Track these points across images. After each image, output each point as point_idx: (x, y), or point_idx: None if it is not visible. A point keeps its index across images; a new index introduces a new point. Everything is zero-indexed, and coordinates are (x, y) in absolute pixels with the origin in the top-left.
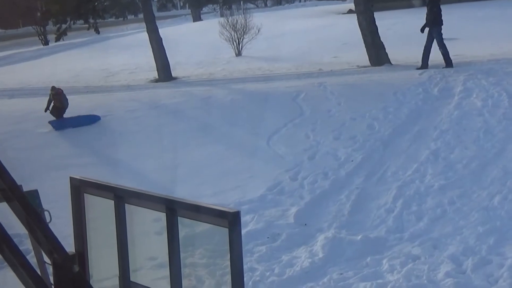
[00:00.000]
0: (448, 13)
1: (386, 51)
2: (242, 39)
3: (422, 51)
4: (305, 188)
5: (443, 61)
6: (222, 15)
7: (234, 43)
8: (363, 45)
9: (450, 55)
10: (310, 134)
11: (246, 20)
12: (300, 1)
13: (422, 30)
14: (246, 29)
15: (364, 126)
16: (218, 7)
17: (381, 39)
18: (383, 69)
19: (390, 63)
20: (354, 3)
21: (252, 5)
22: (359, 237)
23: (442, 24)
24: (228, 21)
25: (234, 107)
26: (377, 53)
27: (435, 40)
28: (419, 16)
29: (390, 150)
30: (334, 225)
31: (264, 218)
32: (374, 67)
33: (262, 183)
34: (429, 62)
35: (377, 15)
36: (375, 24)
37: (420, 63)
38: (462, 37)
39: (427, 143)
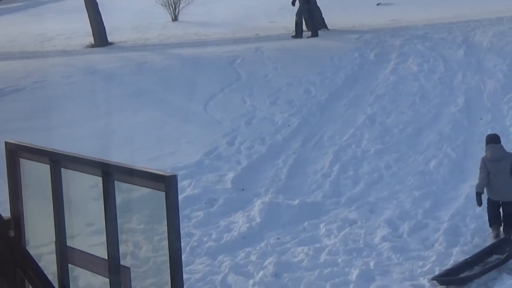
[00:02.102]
0: None
1: (323, 16)
2: (179, 4)
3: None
4: (242, 153)
5: (296, 29)
6: None
7: (171, 8)
8: None
9: (387, 20)
10: (247, 99)
11: None
12: None
13: (293, 3)
14: None
15: (300, 91)
16: None
17: (318, 3)
18: (320, 34)
19: (327, 28)
20: None
21: None
22: (296, 201)
23: None
24: None
25: (171, 72)
26: (313, 18)
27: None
28: None
29: (326, 115)
30: (271, 190)
31: (201, 184)
32: (310, 32)
33: (199, 149)
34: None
35: None
36: None
37: (355, 27)
38: (398, 2)
39: (363, 108)
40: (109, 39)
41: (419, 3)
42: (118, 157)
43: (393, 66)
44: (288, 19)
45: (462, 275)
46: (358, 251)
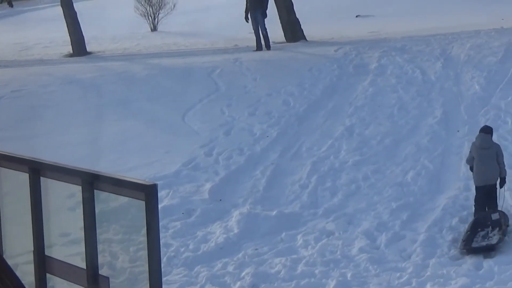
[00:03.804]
0: None
1: (302, 27)
2: (158, 14)
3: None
4: (220, 164)
5: (255, 43)
6: None
7: (150, 18)
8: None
9: (366, 32)
10: (226, 110)
11: None
12: None
13: (246, 18)
14: (161, 4)
15: (279, 102)
16: None
17: (297, 15)
18: (299, 45)
19: (306, 39)
20: None
21: None
22: (274, 212)
23: (267, 8)
24: None
25: (150, 82)
26: (292, 29)
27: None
28: None
29: (305, 126)
30: (249, 201)
31: (179, 194)
32: (289, 43)
33: (177, 159)
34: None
35: None
36: (291, 0)
37: (334, 39)
38: (377, 14)
39: (342, 119)
40: (88, 48)
41: (397, 15)
42: (96, 166)
43: (371, 78)
44: (268, 30)
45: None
46: (336, 262)
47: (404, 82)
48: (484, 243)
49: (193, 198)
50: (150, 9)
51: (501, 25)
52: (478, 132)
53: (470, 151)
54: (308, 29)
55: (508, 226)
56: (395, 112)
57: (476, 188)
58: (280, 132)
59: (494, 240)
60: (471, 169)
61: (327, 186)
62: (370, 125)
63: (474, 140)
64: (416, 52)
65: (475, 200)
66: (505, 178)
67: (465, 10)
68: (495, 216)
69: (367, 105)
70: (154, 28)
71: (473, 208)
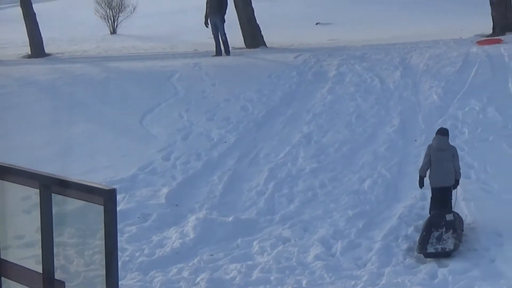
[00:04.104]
0: None
1: (262, 33)
2: (118, 17)
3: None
4: (177, 169)
5: (215, 48)
6: None
7: (110, 20)
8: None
9: (325, 39)
10: (184, 115)
11: None
12: None
13: (206, 23)
14: (121, 7)
15: (238, 108)
16: None
17: (257, 21)
18: (258, 52)
19: (266, 45)
20: None
21: None
22: (230, 218)
23: (225, 13)
24: None
25: (108, 85)
26: (252, 35)
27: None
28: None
29: (263, 132)
30: (206, 206)
31: (135, 198)
32: (249, 49)
33: (134, 163)
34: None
35: None
36: (251, 6)
37: (294, 46)
38: (337, 22)
39: (300, 126)
40: (46, 50)
41: (357, 23)
42: (52, 169)
43: (330, 85)
44: (228, 35)
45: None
46: (291, 269)
47: (362, 91)
48: (439, 247)
49: (149, 203)
50: (110, 12)
51: (460, 35)
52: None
53: (425, 155)
54: (268, 36)
55: (463, 231)
56: (353, 120)
57: (432, 189)
58: (238, 138)
59: (449, 244)
60: (422, 181)
61: (284, 193)
62: (328, 133)
63: (430, 142)
64: (375, 61)
65: (431, 200)
66: (458, 180)
67: (424, 20)
68: (449, 217)
69: (325, 112)
70: (113, 31)
71: (429, 210)
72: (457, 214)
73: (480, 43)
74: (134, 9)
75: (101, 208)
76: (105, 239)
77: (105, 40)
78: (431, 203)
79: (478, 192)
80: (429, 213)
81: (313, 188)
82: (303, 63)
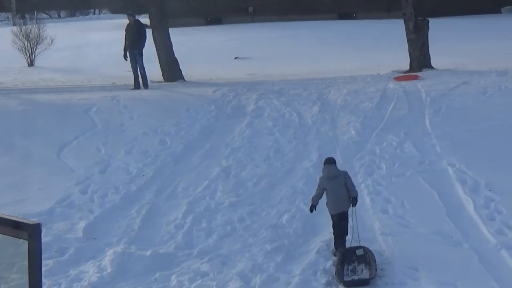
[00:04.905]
0: (240, 32)
1: (180, 67)
2: (35, 49)
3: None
4: (95, 202)
5: (133, 82)
6: (15, 24)
7: (27, 52)
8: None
9: (244, 74)
10: (102, 148)
11: (40, 30)
12: (94, 14)
13: (125, 56)
14: (39, 39)
15: (156, 141)
16: (11, 15)
17: (175, 55)
18: (177, 85)
19: (184, 79)
20: (148, 18)
21: (45, 15)
22: (148, 252)
23: (144, 46)
24: (21, 30)
25: (25, 118)
26: (171, 69)
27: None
28: (214, 34)
29: (181, 166)
30: (124, 240)
31: (52, 232)
32: (167, 83)
33: (51, 196)
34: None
35: (171, 31)
36: (170, 40)
37: (212, 80)
38: (255, 57)
39: (218, 160)
40: None
41: (275, 58)
42: None
43: (249, 119)
44: (146, 68)
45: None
46: None
47: (281, 125)
48: (356, 277)
49: (66, 236)
50: (28, 43)
51: (378, 71)
52: (323, 164)
53: (318, 186)
54: (186, 69)
55: (376, 261)
56: (271, 155)
57: (331, 216)
58: (156, 172)
59: (364, 274)
60: (313, 208)
61: (203, 227)
62: (247, 167)
63: (321, 174)
64: (294, 96)
65: (333, 227)
66: (356, 197)
67: (342, 56)
68: (359, 252)
69: (243, 146)
70: (31, 63)
71: (333, 236)
72: (367, 248)
73: (397, 79)
74: (52, 41)
75: (25, 243)
76: (29, 275)
77: (22, 72)
78: (333, 231)
79: (395, 226)
80: (334, 238)
81: (232, 222)
82: (221, 97)
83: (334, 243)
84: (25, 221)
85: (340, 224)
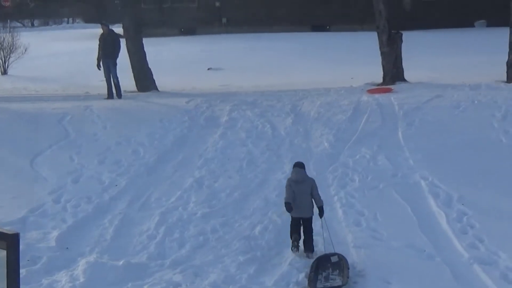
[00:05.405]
0: (214, 43)
1: (154, 77)
2: (9, 58)
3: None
4: (68, 211)
5: (107, 91)
6: None
7: (0, 61)
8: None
9: (217, 84)
10: (75, 157)
11: (13, 38)
12: (68, 23)
13: (98, 66)
14: (13, 48)
15: (129, 151)
16: None
17: (149, 65)
18: (150, 95)
19: (157, 89)
20: (122, 28)
21: (19, 24)
22: (121, 262)
23: (118, 56)
24: None
25: None
26: (144, 79)
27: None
28: (187, 44)
29: (154, 176)
30: (96, 250)
31: (25, 241)
32: (141, 93)
33: (23, 205)
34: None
35: (145, 41)
36: (144, 50)
37: (185, 90)
38: (228, 68)
39: (191, 171)
40: None
41: (248, 69)
42: None
43: (222, 130)
44: (120, 78)
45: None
46: None
47: (254, 136)
48: (328, 284)
49: (39, 245)
50: (1, 52)
51: (351, 84)
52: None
53: (287, 186)
54: (160, 80)
55: (349, 268)
56: (244, 166)
57: (292, 218)
58: (129, 182)
59: (337, 281)
60: (290, 206)
61: (175, 237)
62: (220, 178)
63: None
64: (267, 107)
65: (290, 226)
66: (322, 207)
67: (315, 68)
68: (334, 258)
69: (217, 157)
70: (4, 72)
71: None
72: (342, 255)
73: (371, 91)
74: (25, 50)
75: (4, 253)
76: (7, 284)
77: None
78: (291, 228)
79: (368, 239)
80: (290, 237)
81: (205, 233)
82: (195, 107)
83: (290, 234)
84: (3, 231)
85: (298, 226)
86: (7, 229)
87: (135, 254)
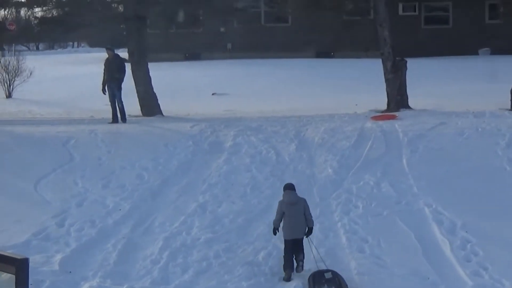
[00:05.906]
0: (218, 68)
1: (159, 102)
2: (13, 81)
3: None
4: (71, 235)
5: (112, 115)
6: None
7: (5, 84)
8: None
9: (221, 110)
10: (79, 181)
11: (18, 62)
12: (73, 47)
13: (103, 90)
14: (18, 71)
15: (133, 176)
16: None
17: (154, 89)
18: (155, 120)
19: (162, 114)
20: (128, 53)
21: (24, 47)
22: (124, 287)
23: (123, 81)
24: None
25: (2, 149)
26: (149, 104)
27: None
28: (192, 69)
29: (158, 201)
30: (99, 274)
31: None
32: (146, 117)
33: (27, 228)
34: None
35: (150, 65)
36: (149, 75)
37: (190, 115)
38: (233, 93)
39: (195, 196)
40: None
41: (253, 95)
42: None
43: (226, 156)
44: (124, 103)
45: None
46: None
47: (258, 162)
48: None
49: (42, 269)
50: (6, 75)
51: (355, 110)
52: (283, 190)
53: (278, 211)
54: (164, 104)
55: (347, 286)
56: (248, 191)
57: (285, 241)
58: (133, 206)
59: None
60: (277, 229)
61: (179, 263)
62: (223, 203)
63: (281, 199)
64: (271, 133)
65: (284, 252)
66: (312, 228)
67: (320, 94)
68: (327, 275)
69: (220, 183)
70: (9, 95)
71: (283, 261)
72: (336, 272)
73: (375, 118)
74: (30, 74)
75: (13, 278)
76: None
77: (0, 104)
78: (284, 255)
79: (372, 266)
80: (284, 270)
81: (208, 259)
82: (199, 132)
83: (284, 265)
84: (12, 255)
85: (293, 249)
86: (16, 254)
87: (138, 279)
